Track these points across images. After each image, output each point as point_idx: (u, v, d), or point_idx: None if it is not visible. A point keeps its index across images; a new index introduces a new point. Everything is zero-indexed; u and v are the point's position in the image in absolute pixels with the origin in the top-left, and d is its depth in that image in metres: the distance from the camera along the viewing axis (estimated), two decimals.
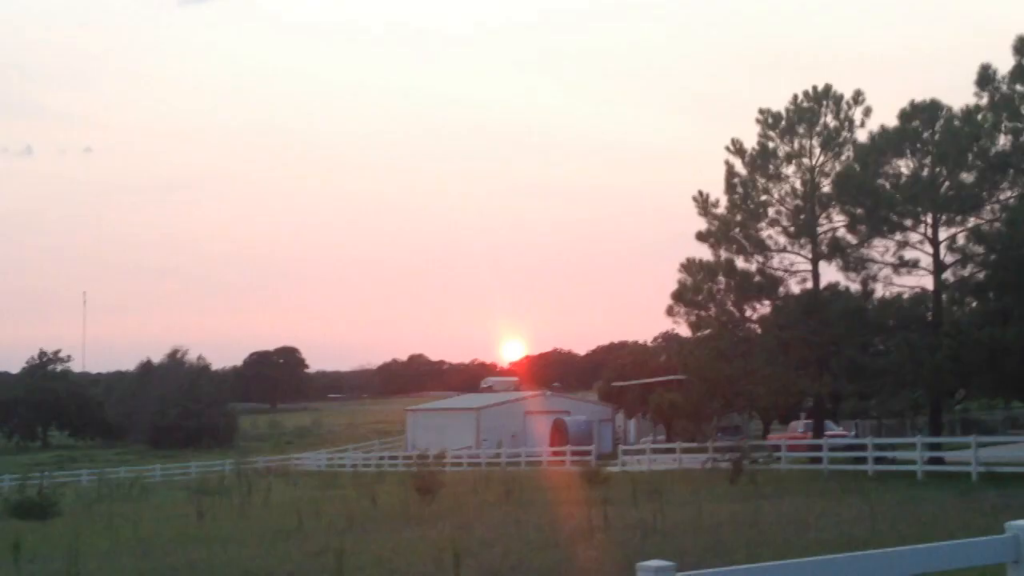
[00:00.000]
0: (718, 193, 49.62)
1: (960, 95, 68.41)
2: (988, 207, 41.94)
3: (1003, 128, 40.56)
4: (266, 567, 19.65)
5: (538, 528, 24.16)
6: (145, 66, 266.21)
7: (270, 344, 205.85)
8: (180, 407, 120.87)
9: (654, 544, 19.61)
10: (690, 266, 50.09)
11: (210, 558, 21.77)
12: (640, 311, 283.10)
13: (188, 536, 28.20)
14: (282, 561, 20.51)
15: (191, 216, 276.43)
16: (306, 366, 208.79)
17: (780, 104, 49.03)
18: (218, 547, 24.19)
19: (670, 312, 50.04)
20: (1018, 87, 40.08)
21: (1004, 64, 40.46)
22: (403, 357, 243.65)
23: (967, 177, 42.12)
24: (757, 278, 49.06)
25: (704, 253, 49.75)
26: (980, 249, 41.17)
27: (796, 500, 28.82)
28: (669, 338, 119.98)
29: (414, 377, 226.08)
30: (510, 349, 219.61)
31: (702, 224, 49.70)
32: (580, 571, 16.98)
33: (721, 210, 49.56)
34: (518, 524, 25.53)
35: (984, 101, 41.02)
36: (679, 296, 49.68)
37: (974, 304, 41.13)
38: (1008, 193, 41.58)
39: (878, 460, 40.69)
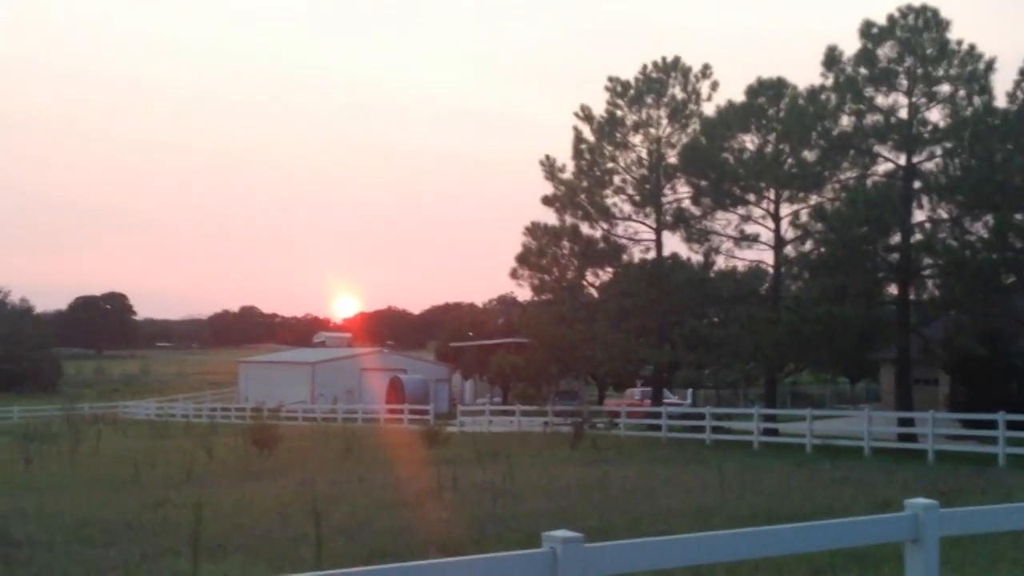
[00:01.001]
0: (565, 159, 49.80)
1: (806, 75, 69.90)
2: (829, 186, 42.76)
3: (847, 109, 41.31)
4: (102, 518, 18.98)
5: (383, 487, 23.92)
6: None
7: (97, 289, 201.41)
8: (2, 350, 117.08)
9: (505, 506, 19.54)
10: (535, 230, 50.11)
11: (41, 507, 21.01)
12: (476, 273, 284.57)
13: (15, 483, 27.29)
14: (118, 512, 19.87)
15: (16, 156, 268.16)
16: (134, 313, 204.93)
17: (630, 74, 49.39)
18: (49, 496, 23.42)
19: (513, 275, 50.11)
20: (862, 70, 40.82)
21: (850, 47, 41.30)
22: (235, 308, 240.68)
23: (809, 155, 42.88)
24: (601, 245, 49.35)
25: (550, 217, 49.91)
26: (819, 226, 41.95)
27: (640, 466, 29.07)
28: (506, 301, 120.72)
29: (246, 329, 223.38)
30: (344, 305, 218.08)
31: (548, 189, 49.86)
32: (431, 531, 16.76)
33: (568, 176, 49.74)
34: (362, 481, 25.27)
35: (829, 82, 41.72)
36: (523, 259, 49.69)
37: (812, 280, 41.91)
38: (849, 173, 42.44)
39: (715, 429, 41.39)
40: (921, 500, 7.20)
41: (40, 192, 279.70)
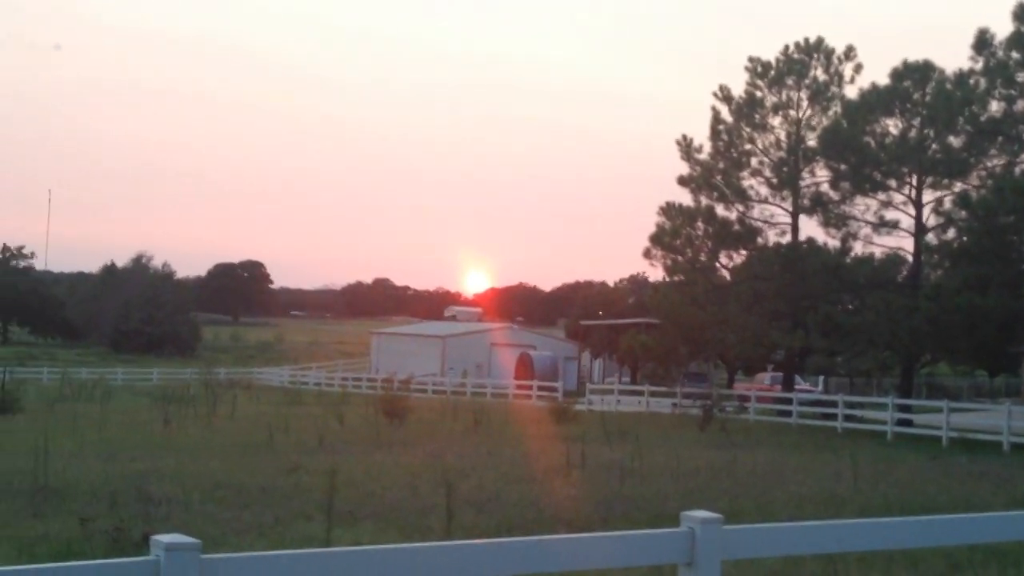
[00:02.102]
0: (702, 139, 49.36)
1: (954, 60, 68.38)
2: (975, 173, 41.74)
3: (996, 94, 40.19)
4: (237, 480, 19.36)
5: (511, 461, 24.00)
6: None
7: (235, 257, 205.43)
8: (143, 312, 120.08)
9: (632, 485, 19.48)
10: (669, 210, 49.77)
11: (179, 467, 21.50)
12: (607, 253, 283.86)
13: (155, 444, 27.93)
14: (252, 475, 20.24)
15: (161, 123, 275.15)
16: (270, 281, 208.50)
17: (771, 55, 48.71)
18: (187, 457, 23.93)
19: (647, 255, 49.76)
20: (1014, 54, 39.65)
21: (1003, 30, 40.17)
22: (368, 280, 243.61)
23: (955, 141, 41.92)
24: (736, 227, 48.81)
25: (684, 198, 49.53)
26: (963, 214, 41.00)
27: (769, 452, 28.77)
28: (637, 281, 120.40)
29: (378, 301, 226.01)
30: (475, 280, 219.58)
31: (684, 169, 49.42)
32: (559, 507, 16.79)
33: (704, 156, 49.25)
34: (490, 455, 25.38)
35: (979, 66, 40.60)
36: (656, 239, 49.34)
37: (954, 269, 40.98)
38: (996, 160, 41.37)
39: (847, 418, 40.75)
40: (698, 513, 5.74)
41: (182, 161, 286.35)
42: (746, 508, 16.87)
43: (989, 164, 41.48)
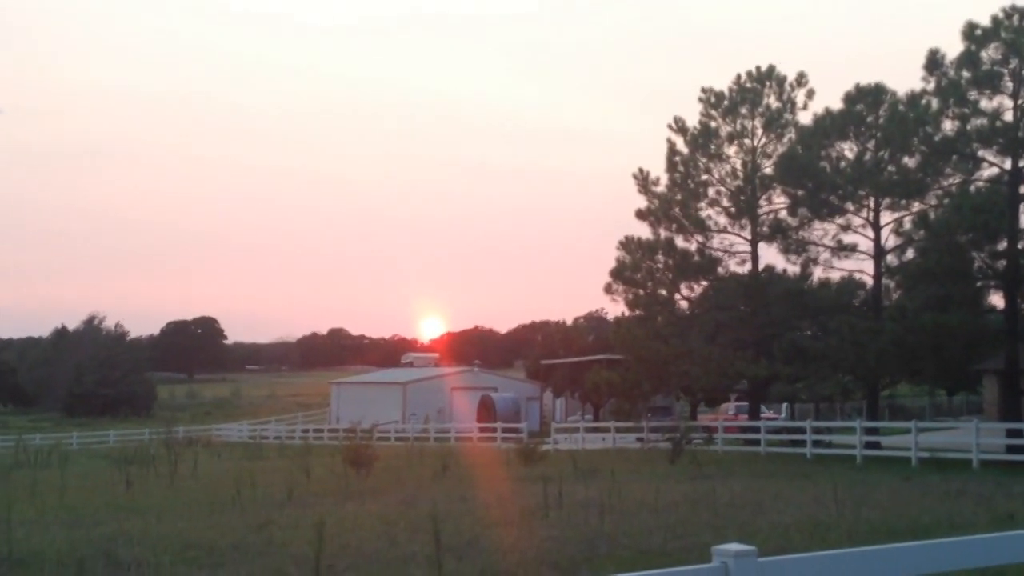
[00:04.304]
0: (659, 172, 49.29)
1: (904, 81, 68.85)
2: (931, 193, 41.77)
3: (949, 113, 40.27)
4: (207, 539, 18.72)
5: (485, 505, 23.47)
6: (58, 28, 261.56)
7: (188, 314, 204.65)
8: (97, 375, 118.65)
9: (613, 523, 19.03)
10: (628, 244, 49.63)
11: (145, 529, 20.82)
12: (564, 291, 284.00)
13: (118, 506, 27.19)
14: (222, 533, 19.60)
15: (107, 183, 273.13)
16: (224, 337, 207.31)
17: (723, 84, 48.77)
18: (152, 518, 23.26)
19: (608, 290, 49.60)
20: (965, 73, 39.81)
21: (952, 50, 40.35)
22: (323, 331, 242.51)
23: (911, 162, 41.95)
24: (696, 258, 48.67)
25: (644, 231, 49.39)
26: (922, 234, 41.01)
27: (744, 481, 28.42)
28: (595, 318, 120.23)
29: (334, 351, 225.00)
30: (430, 325, 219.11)
31: (642, 202, 49.39)
32: (541, 549, 16.29)
33: (662, 188, 49.25)
34: (463, 500, 24.85)
35: (931, 86, 40.75)
36: (617, 274, 49.20)
37: (915, 289, 40.96)
38: (952, 179, 41.42)
39: (816, 443, 40.59)
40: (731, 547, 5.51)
41: (131, 218, 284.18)
42: (731, 539, 16.43)
43: (945, 183, 41.49)
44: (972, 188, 40.37)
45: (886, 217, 42.79)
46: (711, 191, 48.42)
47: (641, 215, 49.07)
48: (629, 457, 41.77)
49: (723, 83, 48.73)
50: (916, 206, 41.81)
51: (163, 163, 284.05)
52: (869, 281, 44.18)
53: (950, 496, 23.67)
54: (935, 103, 40.56)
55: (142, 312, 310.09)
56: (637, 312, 49.89)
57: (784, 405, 65.30)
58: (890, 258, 43.04)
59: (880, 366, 41.07)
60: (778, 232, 45.54)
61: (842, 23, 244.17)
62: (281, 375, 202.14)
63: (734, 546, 5.20)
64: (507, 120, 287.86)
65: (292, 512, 22.65)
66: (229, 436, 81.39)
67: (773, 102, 47.83)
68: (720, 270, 48.84)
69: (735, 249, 48.44)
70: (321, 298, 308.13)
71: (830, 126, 43.28)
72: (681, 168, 48.51)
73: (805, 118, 46.52)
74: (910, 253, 42.32)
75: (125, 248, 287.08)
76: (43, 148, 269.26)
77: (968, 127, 39.87)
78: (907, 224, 42.02)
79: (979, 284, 42.45)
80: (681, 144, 48.62)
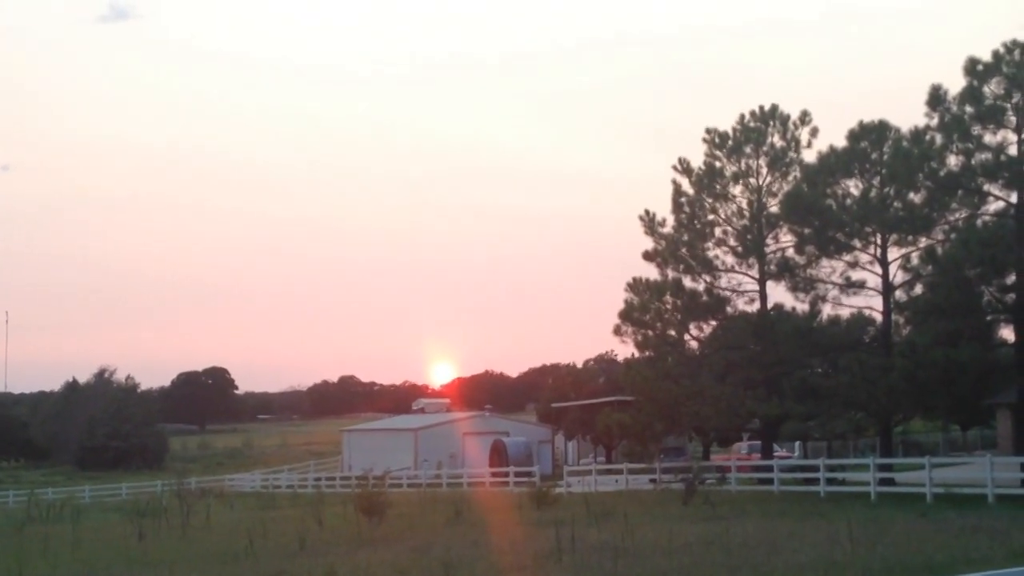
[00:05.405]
0: (665, 213, 49.29)
1: (908, 117, 68.96)
2: (938, 228, 41.74)
3: (954, 148, 40.36)
4: None
5: (499, 550, 23.45)
6: (65, 83, 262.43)
7: (199, 364, 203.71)
8: (108, 428, 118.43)
9: (627, 565, 19.01)
10: (637, 285, 49.59)
11: None
12: (573, 334, 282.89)
13: (131, 559, 27.21)
14: None
15: (115, 236, 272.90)
16: (235, 387, 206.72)
17: (727, 124, 48.84)
18: (165, 570, 23.26)
19: (617, 331, 49.45)
20: (968, 108, 39.94)
21: (954, 86, 40.49)
22: (333, 378, 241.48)
23: (916, 197, 41.91)
24: (704, 298, 48.56)
25: (651, 272, 49.31)
26: (930, 269, 41.01)
27: (757, 521, 28.35)
28: (605, 360, 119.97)
29: (345, 398, 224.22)
30: (441, 371, 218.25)
31: (649, 244, 49.31)
32: None
33: (668, 230, 49.11)
34: (477, 546, 24.84)
35: (934, 122, 40.86)
36: (626, 315, 49.09)
37: (925, 324, 40.88)
38: (958, 214, 41.44)
39: (829, 481, 40.43)
40: None
41: (139, 270, 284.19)
42: None
43: (952, 218, 41.45)
44: (979, 222, 40.42)
45: (893, 253, 42.77)
46: (718, 231, 48.36)
47: (648, 256, 49.06)
48: (642, 499, 41.68)
49: (727, 123, 48.81)
50: (923, 241, 41.75)
51: (172, 215, 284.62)
52: (878, 317, 44.09)
53: (966, 532, 23.59)
54: (939, 138, 40.68)
55: (152, 364, 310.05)
56: (647, 353, 49.77)
57: (797, 443, 65.14)
58: (899, 294, 42.99)
59: (892, 402, 40.97)
60: (786, 270, 45.47)
61: (844, 61, 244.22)
62: (292, 424, 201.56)
63: None
64: (512, 164, 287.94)
65: (305, 562, 22.63)
66: (242, 486, 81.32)
67: (777, 141, 47.84)
68: (729, 309, 48.73)
69: (743, 288, 48.35)
70: (331, 346, 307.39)
71: (835, 163, 43.31)
72: (687, 209, 48.51)
73: (810, 156, 46.48)
74: (919, 288, 42.29)
75: (135, 300, 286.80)
76: (50, 202, 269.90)
77: (972, 162, 39.97)
78: (915, 260, 42.01)
79: (989, 318, 42.47)
80: (686, 185, 48.65)
